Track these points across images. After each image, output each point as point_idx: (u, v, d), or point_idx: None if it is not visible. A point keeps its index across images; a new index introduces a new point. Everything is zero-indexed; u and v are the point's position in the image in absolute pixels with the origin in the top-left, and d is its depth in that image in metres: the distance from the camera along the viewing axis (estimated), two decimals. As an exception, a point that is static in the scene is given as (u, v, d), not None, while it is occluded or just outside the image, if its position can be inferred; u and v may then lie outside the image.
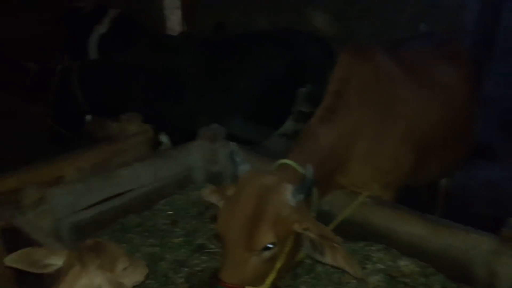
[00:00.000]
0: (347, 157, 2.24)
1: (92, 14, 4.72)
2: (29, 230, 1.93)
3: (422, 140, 2.42)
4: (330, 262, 1.74)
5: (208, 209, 2.78)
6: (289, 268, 1.99)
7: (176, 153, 2.90)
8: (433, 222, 2.16)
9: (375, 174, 2.34)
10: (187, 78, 3.48)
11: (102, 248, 1.51)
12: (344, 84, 2.25)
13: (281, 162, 2.02)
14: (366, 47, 2.42)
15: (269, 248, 1.70)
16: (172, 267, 2.25)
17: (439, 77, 2.55)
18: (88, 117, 3.58)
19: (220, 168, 2.99)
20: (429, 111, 2.45)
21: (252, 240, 1.67)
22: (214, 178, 3.00)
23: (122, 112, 3.22)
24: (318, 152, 2.09)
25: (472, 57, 2.98)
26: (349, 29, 4.80)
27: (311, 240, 1.76)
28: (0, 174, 2.41)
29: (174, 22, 6.49)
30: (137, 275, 1.63)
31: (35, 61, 3.70)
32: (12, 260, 1.48)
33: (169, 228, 2.59)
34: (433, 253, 2.15)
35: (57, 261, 1.50)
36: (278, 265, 1.76)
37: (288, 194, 1.74)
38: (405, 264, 2.20)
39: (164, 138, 3.62)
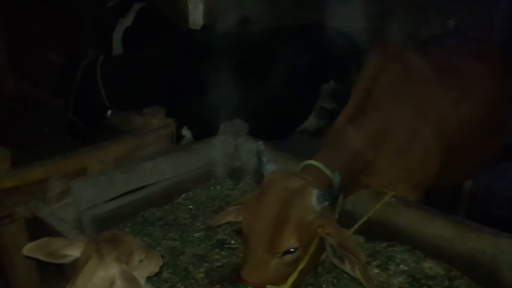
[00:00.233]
0: (375, 157, 2.19)
1: (117, 8, 4.74)
2: (53, 221, 1.95)
3: (451, 140, 2.36)
4: (347, 270, 1.73)
5: (229, 205, 2.77)
6: (312, 268, 1.97)
7: (199, 148, 2.90)
8: (461, 224, 2.10)
9: (402, 175, 2.29)
10: (210, 73, 3.47)
11: (119, 240, 1.51)
12: (373, 82, 2.20)
13: (307, 163, 1.99)
14: (396, 44, 2.36)
15: (291, 252, 1.69)
16: (192, 262, 2.25)
17: (470, 76, 2.48)
18: (108, 112, 3.60)
19: (241, 163, 2.98)
20: (459, 111, 2.38)
21: (275, 243, 1.66)
22: (235, 173, 2.99)
23: (145, 106, 3.23)
24: (346, 153, 2.05)
25: (504, 55, 2.88)
26: (374, 25, 4.71)
27: (332, 245, 1.74)
28: (26, 166, 2.45)
29: (197, 16, 6.49)
30: (153, 266, 1.63)
31: (61, 54, 3.74)
32: (30, 250, 1.49)
33: (189, 222, 2.59)
34: (459, 256, 2.10)
35: (74, 252, 1.50)
36: (300, 266, 1.75)
37: (314, 199, 1.71)
38: (429, 266, 2.16)
39: (186, 132, 3.63)
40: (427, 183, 2.44)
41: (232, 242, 2.42)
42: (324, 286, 2.09)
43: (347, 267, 1.74)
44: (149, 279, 1.97)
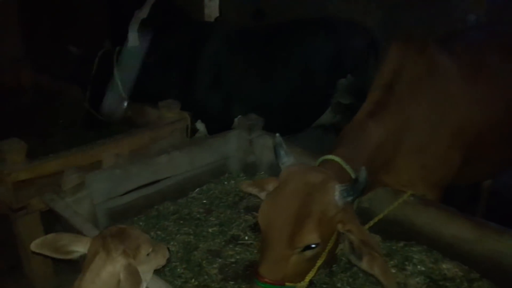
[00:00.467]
0: (394, 154, 2.14)
1: (133, -1, 4.73)
2: (67, 215, 1.95)
3: (474, 139, 2.29)
4: (365, 268, 1.68)
5: (243, 200, 2.76)
6: (327, 265, 1.94)
7: (213, 142, 2.88)
8: (481, 225, 2.05)
9: (422, 173, 2.24)
10: (225, 66, 3.44)
11: (126, 234, 1.50)
12: (395, 77, 2.14)
13: (325, 157, 1.94)
14: (419, 38, 2.29)
15: (311, 248, 1.65)
16: (205, 257, 2.24)
17: (496, 72, 2.40)
18: (124, 104, 3.59)
19: (256, 158, 2.96)
20: (483, 108, 2.31)
21: (295, 238, 1.62)
22: (249, 168, 2.97)
23: (160, 99, 3.22)
24: (365, 149, 2.00)
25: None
26: (392, 18, 4.62)
27: (351, 242, 1.69)
28: (41, 158, 2.45)
29: (212, 8, 6.47)
30: (160, 259, 1.61)
31: (77, 45, 3.74)
32: (37, 245, 1.48)
33: (203, 217, 2.58)
34: (479, 257, 2.04)
35: (81, 247, 1.50)
36: (319, 263, 1.71)
37: (337, 194, 1.67)
38: (447, 267, 2.11)
39: (200, 126, 3.61)
40: (446, 182, 2.38)
41: (246, 238, 2.40)
42: (339, 285, 2.06)
43: (364, 264, 1.70)
44: (160, 273, 1.98)
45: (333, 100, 3.67)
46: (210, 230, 2.46)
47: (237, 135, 2.94)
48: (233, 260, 2.24)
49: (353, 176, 1.87)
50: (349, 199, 1.67)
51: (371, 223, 2.13)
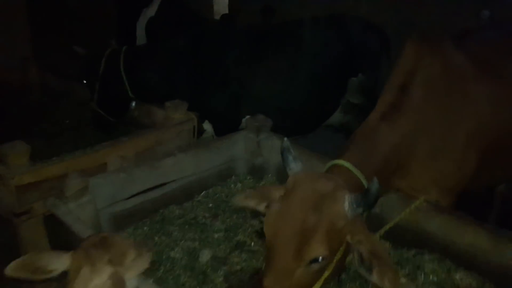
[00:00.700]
0: (407, 158, 2.05)
1: (141, -3, 4.68)
2: (69, 221, 1.91)
3: (490, 142, 2.20)
4: (375, 281, 1.59)
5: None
6: (335, 276, 1.86)
7: (220, 144, 2.82)
8: (497, 234, 1.96)
9: (436, 178, 2.15)
10: (233, 66, 3.37)
11: (109, 242, 1.43)
12: (409, 78, 2.05)
13: (334, 162, 1.86)
14: (434, 37, 2.20)
15: (318, 261, 1.58)
16: (211, 264, 2.19)
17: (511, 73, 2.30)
18: (132, 104, 3.55)
19: (263, 160, 2.90)
20: (501, 110, 2.21)
21: (302, 251, 1.55)
22: (257, 170, 2.91)
23: (167, 99, 3.17)
24: (378, 153, 1.91)
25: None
26: (403, 15, 4.51)
27: (360, 254, 1.62)
28: (45, 161, 2.41)
29: (221, 5, 6.41)
30: (144, 262, 1.54)
31: (84, 44, 3.70)
32: (13, 269, 1.37)
33: (209, 221, 2.53)
34: (494, 267, 1.96)
35: (62, 264, 1.40)
36: (325, 275, 1.64)
37: (347, 205, 1.59)
38: (461, 277, 2.03)
39: (207, 126, 3.55)
40: (461, 187, 2.29)
41: (252, 244, 2.34)
42: (348, 295, 1.99)
43: (374, 277, 1.62)
44: (164, 281, 1.92)
45: (343, 99, 3.59)
46: (215, 235, 2.40)
47: (245, 136, 2.88)
48: (238, 267, 2.18)
49: (364, 183, 1.80)
50: (360, 210, 1.59)
51: (382, 231, 2.05)
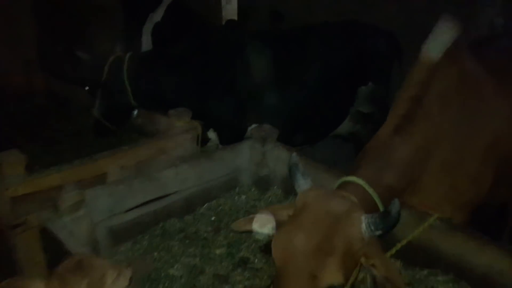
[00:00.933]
0: (421, 173, 1.94)
1: (148, 2, 4.61)
2: (63, 237, 1.81)
3: (507, 155, 2.08)
4: None
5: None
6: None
7: (224, 154, 2.72)
8: (516, 256, 1.83)
9: (450, 193, 2.03)
10: (239, 73, 3.28)
11: (86, 265, 1.34)
12: (424, 89, 1.94)
13: (346, 179, 1.74)
14: (453, 45, 2.09)
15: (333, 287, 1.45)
16: (212, 283, 2.08)
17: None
18: (134, 112, 3.47)
19: (269, 171, 2.79)
20: None
21: (317, 278, 1.42)
22: (262, 182, 2.81)
23: (171, 107, 3.08)
24: (392, 169, 1.80)
25: None
26: (414, 22, 4.39)
27: (373, 276, 1.50)
28: (41, 171, 2.32)
29: (229, 11, 6.33)
30: (123, 281, 1.44)
31: (87, 50, 3.63)
32: None
33: (211, 236, 2.42)
34: (514, 291, 1.84)
35: None
36: None
37: (364, 227, 1.47)
38: (477, 301, 1.91)
39: (212, 135, 3.46)
40: (476, 203, 2.17)
41: (256, 261, 2.23)
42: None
43: None
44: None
45: (352, 108, 3.47)
46: (217, 251, 2.30)
47: (250, 146, 2.77)
48: (241, 286, 2.07)
49: (378, 201, 1.68)
50: (378, 233, 1.47)
51: (394, 250, 1.93)
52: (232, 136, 3.38)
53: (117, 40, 4.30)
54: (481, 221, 2.27)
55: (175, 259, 2.20)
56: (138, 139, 3.38)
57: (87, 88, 3.57)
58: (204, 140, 3.36)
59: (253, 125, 3.32)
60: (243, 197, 2.75)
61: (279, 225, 1.67)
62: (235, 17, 5.97)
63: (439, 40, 2.06)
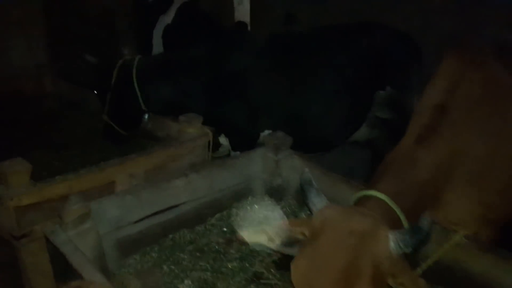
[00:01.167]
0: (445, 187, 1.81)
1: (159, 3, 4.53)
2: (67, 252, 1.72)
3: None
4: None
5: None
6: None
7: (236, 163, 2.61)
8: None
9: (476, 209, 1.90)
10: (251, 77, 3.17)
11: None
12: (449, 97, 1.80)
13: (366, 193, 1.62)
14: (476, 49, 1.95)
15: None
16: (223, 301, 1.98)
17: None
18: (145, 117, 3.39)
19: (283, 181, 2.68)
20: None
21: None
22: (275, 191, 2.70)
23: (182, 112, 2.99)
24: (415, 183, 1.67)
25: None
26: (431, 24, 4.24)
27: None
28: (47, 181, 2.24)
29: (242, 13, 6.21)
30: None
31: (97, 53, 3.56)
32: None
33: (222, 249, 2.32)
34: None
35: None
36: None
37: (392, 245, 1.35)
38: (508, 326, 1.77)
39: (223, 140, 3.36)
40: (505, 219, 2.03)
41: (270, 277, 2.12)
42: None
43: None
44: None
45: (370, 114, 3.34)
46: (229, 265, 2.19)
47: (262, 155, 2.66)
48: (254, 305, 1.96)
49: (401, 217, 1.56)
50: (408, 250, 1.35)
51: (419, 270, 1.80)
52: (244, 141, 3.28)
53: (127, 43, 4.25)
54: (508, 239, 2.14)
55: (185, 273, 2.10)
56: (148, 145, 3.30)
57: (96, 92, 3.50)
58: (216, 146, 3.27)
59: (266, 131, 3.22)
60: (256, 207, 2.64)
61: (291, 243, 1.57)
62: (248, 18, 5.87)
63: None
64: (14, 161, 2.17)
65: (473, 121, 1.86)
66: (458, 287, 1.91)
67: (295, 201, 2.65)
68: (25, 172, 2.15)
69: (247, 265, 2.20)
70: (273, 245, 1.58)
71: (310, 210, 1.53)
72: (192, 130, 2.89)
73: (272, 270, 2.17)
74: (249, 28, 4.84)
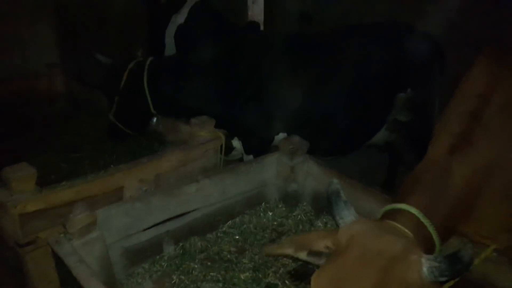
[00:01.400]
0: (476, 199, 1.68)
1: (171, 3, 4.44)
2: (72, 264, 1.63)
3: None
4: None
5: (282, 236, 2.38)
6: None
7: (249, 168, 2.50)
8: None
9: (508, 222, 1.76)
10: (266, 78, 3.05)
11: None
12: (483, 102, 1.67)
13: (396, 207, 1.49)
14: (509, 52, 1.81)
15: None
16: (236, 315, 1.88)
17: None
18: (153, 120, 3.30)
19: (298, 187, 2.57)
20: None
21: None
22: (290, 198, 2.59)
23: (193, 114, 2.89)
24: (448, 196, 1.54)
25: None
26: (451, 23, 4.08)
27: None
28: (53, 186, 2.16)
29: (256, 11, 6.10)
30: None
31: (108, 53, 3.48)
32: None
33: (235, 258, 2.22)
34: None
35: None
36: None
37: (425, 271, 1.22)
38: None
39: (236, 143, 3.26)
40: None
41: (285, 289, 2.01)
42: None
43: None
44: None
45: (390, 117, 3.21)
46: (242, 276, 2.09)
47: (277, 160, 2.56)
48: (268, 319, 1.86)
49: (435, 237, 1.44)
50: (442, 280, 1.22)
51: (447, 286, 1.68)
52: (257, 145, 3.17)
53: (139, 44, 4.16)
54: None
55: (196, 284, 2.01)
56: (158, 149, 3.22)
57: (105, 93, 3.42)
58: (228, 149, 3.16)
59: (281, 134, 3.11)
60: (270, 214, 2.54)
61: (314, 256, 1.46)
62: (261, 18, 5.76)
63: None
64: (19, 166, 2.09)
65: (509, 129, 1.73)
66: (487, 305, 1.79)
67: (310, 207, 2.54)
68: (30, 177, 2.07)
69: (260, 275, 2.10)
70: (302, 256, 1.47)
71: (336, 223, 1.42)
72: (204, 133, 2.79)
73: (286, 282, 2.07)
74: (261, 27, 4.72)
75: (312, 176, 2.53)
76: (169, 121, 3.25)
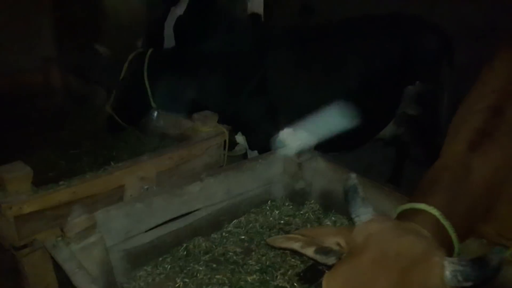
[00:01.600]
0: (497, 198, 1.59)
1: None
2: (70, 270, 1.54)
3: None
4: None
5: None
6: None
7: (255, 165, 2.40)
8: None
9: None
10: (270, 71, 2.96)
11: None
12: (505, 97, 1.58)
13: (414, 206, 1.40)
14: None
15: None
16: (243, 320, 1.79)
17: None
18: (154, 114, 3.19)
19: (305, 184, 2.48)
20: None
21: None
22: (297, 196, 2.50)
23: (195, 109, 2.79)
24: (469, 195, 1.45)
25: None
26: (459, 16, 3.97)
27: None
28: (50, 187, 2.05)
29: (256, 4, 5.98)
30: None
31: (107, 45, 3.37)
32: None
33: (241, 259, 2.13)
34: None
35: None
36: None
37: (446, 274, 1.14)
38: None
39: (240, 139, 3.16)
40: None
41: (294, 292, 1.92)
42: None
43: None
44: None
45: (398, 110, 3.11)
46: (249, 279, 2.00)
47: (283, 157, 2.46)
48: (277, 325, 1.77)
49: (454, 238, 1.35)
50: (466, 285, 1.13)
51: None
52: (262, 140, 3.07)
53: (139, 36, 4.05)
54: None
55: (201, 288, 1.92)
56: (159, 145, 3.12)
57: (105, 85, 3.32)
58: (232, 144, 3.07)
59: (285, 129, 3.01)
60: (276, 212, 2.45)
61: (321, 254, 1.37)
62: (261, 9, 5.65)
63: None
64: (14, 165, 1.98)
65: None
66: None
67: (318, 205, 2.45)
68: (26, 177, 1.96)
69: (267, 278, 2.01)
70: (308, 252, 1.38)
71: (353, 221, 1.33)
72: (207, 128, 2.69)
73: (295, 284, 1.98)
74: (262, 19, 4.62)
75: (320, 173, 2.44)
76: (170, 116, 3.15)
